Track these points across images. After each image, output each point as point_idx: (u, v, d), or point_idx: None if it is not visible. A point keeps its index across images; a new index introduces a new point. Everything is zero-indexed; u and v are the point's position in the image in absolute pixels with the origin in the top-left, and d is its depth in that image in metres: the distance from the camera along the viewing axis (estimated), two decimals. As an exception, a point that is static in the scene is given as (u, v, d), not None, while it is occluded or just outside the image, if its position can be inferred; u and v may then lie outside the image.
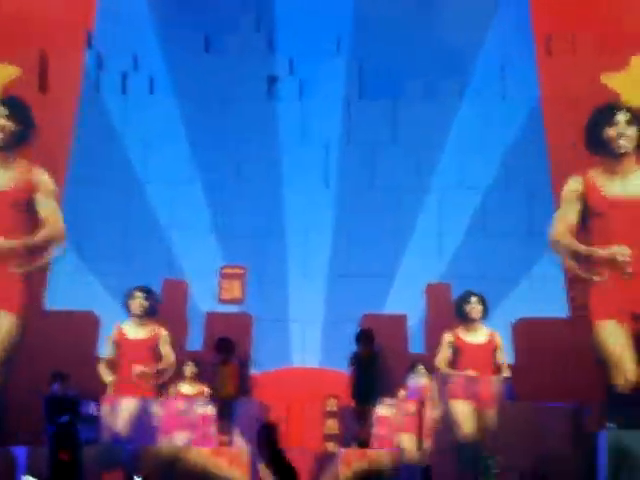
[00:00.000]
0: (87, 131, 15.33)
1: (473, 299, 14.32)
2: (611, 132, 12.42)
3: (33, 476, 11.20)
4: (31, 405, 12.99)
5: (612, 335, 13.40)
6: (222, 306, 15.82)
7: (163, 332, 14.56)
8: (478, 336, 14.32)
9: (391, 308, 15.69)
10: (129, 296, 14.83)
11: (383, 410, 13.65)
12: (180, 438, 13.64)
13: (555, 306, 15.09)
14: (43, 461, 11.81)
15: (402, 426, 13.70)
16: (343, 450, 13.64)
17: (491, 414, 13.71)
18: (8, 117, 12.26)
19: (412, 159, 15.90)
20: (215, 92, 16.13)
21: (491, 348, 14.11)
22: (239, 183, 15.93)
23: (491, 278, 15.27)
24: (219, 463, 12.99)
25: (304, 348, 15.52)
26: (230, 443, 13.57)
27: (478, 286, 14.45)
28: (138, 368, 14.18)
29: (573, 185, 12.81)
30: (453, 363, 13.98)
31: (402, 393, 14.00)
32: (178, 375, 14.33)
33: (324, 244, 15.72)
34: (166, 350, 14.36)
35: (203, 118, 16.02)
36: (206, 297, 15.72)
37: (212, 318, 15.84)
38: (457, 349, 14.11)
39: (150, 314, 14.63)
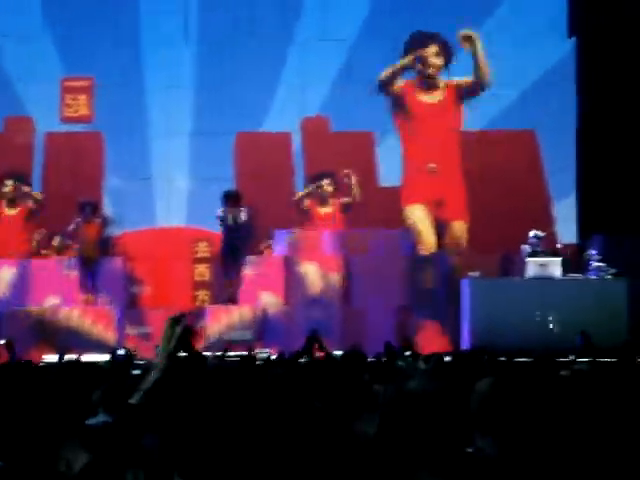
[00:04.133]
0: None
1: None
2: None
3: None
4: None
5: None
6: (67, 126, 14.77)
7: None
8: None
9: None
10: None
11: (249, 268, 13.58)
12: (47, 300, 13.42)
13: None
14: None
15: (266, 283, 13.68)
16: (211, 306, 13.61)
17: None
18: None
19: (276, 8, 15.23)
20: None
21: None
22: (96, 40, 14.99)
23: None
24: (85, 322, 12.86)
25: (169, 207, 14.99)
26: (95, 302, 13.38)
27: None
28: None
29: None
30: None
31: (268, 250, 13.95)
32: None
33: (186, 101, 15.07)
34: None
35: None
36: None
37: (53, 139, 14.68)
38: None
39: None
